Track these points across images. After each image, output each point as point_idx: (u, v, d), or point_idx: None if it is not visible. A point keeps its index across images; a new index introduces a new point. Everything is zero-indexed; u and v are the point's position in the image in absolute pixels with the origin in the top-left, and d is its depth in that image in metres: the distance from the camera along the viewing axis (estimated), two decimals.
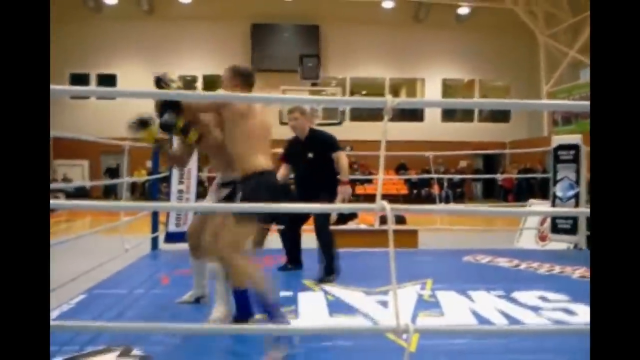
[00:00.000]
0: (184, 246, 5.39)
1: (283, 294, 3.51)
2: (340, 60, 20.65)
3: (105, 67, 19.45)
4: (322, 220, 4.15)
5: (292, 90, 13.96)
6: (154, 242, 5.28)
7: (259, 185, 2.61)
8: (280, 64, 19.56)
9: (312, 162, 4.13)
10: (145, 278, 4.06)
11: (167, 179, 4.99)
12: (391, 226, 1.45)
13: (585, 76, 19.86)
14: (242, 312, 2.71)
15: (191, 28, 19.94)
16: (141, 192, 16.98)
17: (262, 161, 2.67)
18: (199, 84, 20.33)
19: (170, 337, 2.60)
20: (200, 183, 7.64)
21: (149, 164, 5.45)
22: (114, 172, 18.02)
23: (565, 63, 20.22)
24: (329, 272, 4.01)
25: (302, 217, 4.31)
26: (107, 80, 19.07)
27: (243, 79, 2.81)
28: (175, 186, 4.98)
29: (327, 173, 4.12)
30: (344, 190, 4.06)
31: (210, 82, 20.53)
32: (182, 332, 2.60)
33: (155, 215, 5.27)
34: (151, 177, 5.51)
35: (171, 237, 5.09)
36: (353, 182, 12.25)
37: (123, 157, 4.60)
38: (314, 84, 15.39)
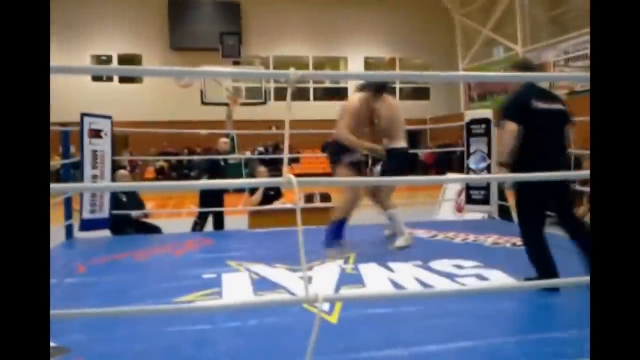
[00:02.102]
0: (100, 234, 5.20)
1: (206, 275, 3.47)
2: (263, 38, 20.40)
3: None
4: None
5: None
6: (68, 230, 5.03)
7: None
8: (200, 42, 19.01)
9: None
10: (60, 268, 3.87)
11: (78, 165, 4.74)
12: (299, 201, 1.46)
13: (498, 54, 20.87)
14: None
15: (103, 5, 18.89)
16: (55, 178, 16.07)
17: None
18: (115, 63, 19.36)
19: (86, 327, 2.51)
20: (118, 167, 7.32)
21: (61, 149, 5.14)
22: None
23: (480, 41, 21.11)
24: None
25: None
26: None
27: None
28: (88, 171, 4.75)
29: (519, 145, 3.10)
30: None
31: (126, 61, 19.60)
32: (98, 316, 2.52)
33: (68, 202, 5.01)
34: (63, 161, 5.20)
35: (86, 225, 4.86)
36: (277, 162, 12.04)
37: None
38: (235, 63, 15.09)
